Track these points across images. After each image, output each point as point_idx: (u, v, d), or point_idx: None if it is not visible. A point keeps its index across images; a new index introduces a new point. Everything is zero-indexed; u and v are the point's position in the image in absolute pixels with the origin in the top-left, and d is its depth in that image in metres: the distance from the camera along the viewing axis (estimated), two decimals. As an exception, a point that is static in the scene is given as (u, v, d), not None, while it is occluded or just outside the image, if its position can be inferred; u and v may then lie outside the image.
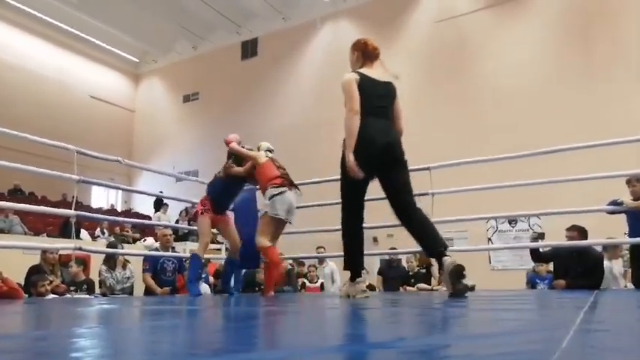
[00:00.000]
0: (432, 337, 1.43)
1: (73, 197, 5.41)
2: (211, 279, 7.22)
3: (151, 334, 1.63)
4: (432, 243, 3.12)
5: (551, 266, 6.25)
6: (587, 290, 4.25)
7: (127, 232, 11.88)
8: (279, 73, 17.27)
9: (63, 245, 5.47)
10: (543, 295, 4.32)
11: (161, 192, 12.50)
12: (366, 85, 3.25)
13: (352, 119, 3.22)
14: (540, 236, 5.90)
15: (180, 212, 14.51)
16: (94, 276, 6.17)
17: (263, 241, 4.32)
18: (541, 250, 5.74)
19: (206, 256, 5.41)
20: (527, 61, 12.92)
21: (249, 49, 18.51)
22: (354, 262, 3.45)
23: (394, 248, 7.61)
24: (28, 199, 13.67)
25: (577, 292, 4.19)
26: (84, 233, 10.36)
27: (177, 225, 11.46)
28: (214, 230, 5.08)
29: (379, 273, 7.77)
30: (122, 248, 7.18)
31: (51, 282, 5.10)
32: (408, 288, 7.11)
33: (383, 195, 6.23)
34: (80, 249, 4.96)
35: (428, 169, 5.64)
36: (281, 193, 4.28)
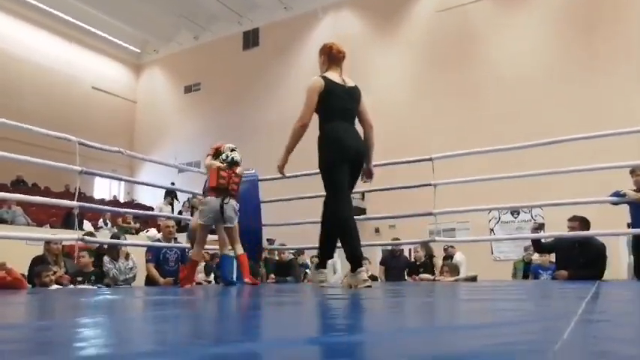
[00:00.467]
0: (432, 327, 1.44)
1: (76, 188, 5.42)
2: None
3: (156, 323, 1.64)
4: (355, 253, 3.59)
5: (552, 257, 6.25)
6: (589, 281, 4.25)
7: (130, 223, 11.91)
8: (281, 63, 17.20)
9: (66, 236, 5.50)
10: (545, 285, 4.33)
11: (172, 183, 12.53)
12: (333, 90, 3.42)
13: (298, 130, 3.49)
14: (540, 227, 5.90)
15: (184, 203, 14.53)
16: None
17: (196, 250, 4.83)
18: (543, 240, 5.74)
19: (207, 247, 5.46)
20: (529, 51, 12.84)
21: (251, 39, 18.43)
22: (329, 254, 3.74)
23: (397, 239, 7.62)
24: (31, 190, 13.71)
25: (579, 282, 4.20)
26: (86, 224, 10.39)
27: (179, 216, 11.49)
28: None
29: (382, 263, 7.79)
30: (125, 239, 7.19)
31: (54, 272, 5.13)
32: (416, 277, 7.12)
33: (384, 186, 6.26)
34: (83, 240, 4.98)
35: (430, 159, 5.63)
36: (206, 203, 4.72)
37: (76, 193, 5.22)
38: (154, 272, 5.70)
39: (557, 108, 11.88)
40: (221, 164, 4.82)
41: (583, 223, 5.11)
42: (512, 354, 0.88)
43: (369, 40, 15.72)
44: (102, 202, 15.27)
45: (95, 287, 5.17)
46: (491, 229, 12.41)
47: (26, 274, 5.15)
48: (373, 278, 7.50)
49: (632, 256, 5.29)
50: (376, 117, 13.59)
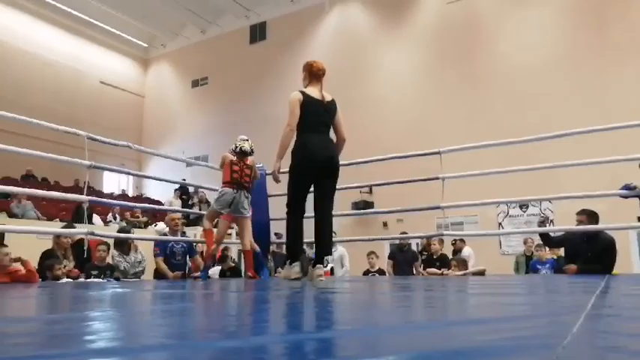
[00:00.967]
0: (443, 321, 1.44)
1: (85, 183, 5.47)
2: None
3: (169, 317, 1.66)
4: (326, 245, 3.88)
5: (560, 251, 6.22)
6: (599, 275, 4.23)
7: (139, 216, 12.00)
8: (288, 57, 17.16)
9: (76, 230, 5.54)
10: (554, 280, 4.31)
11: (184, 179, 12.60)
12: (309, 105, 3.78)
13: (287, 133, 3.81)
14: (545, 220, 5.86)
15: (192, 196, 14.60)
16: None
17: (205, 223, 5.38)
18: (552, 234, 5.71)
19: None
20: (539, 43, 12.71)
21: (258, 33, 18.40)
22: (294, 249, 3.94)
23: (405, 233, 7.61)
24: (40, 184, 13.82)
25: (588, 276, 4.18)
26: (96, 218, 10.47)
27: (188, 210, 11.56)
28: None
29: (390, 257, 7.78)
30: (133, 233, 7.25)
31: (64, 266, 5.18)
32: (423, 272, 7.10)
33: (391, 180, 6.26)
34: (93, 234, 5.02)
35: (438, 153, 5.61)
36: (222, 194, 5.08)
37: (85, 188, 5.27)
38: (163, 266, 5.74)
39: (567, 100, 11.77)
40: (233, 157, 5.10)
41: (591, 216, 5.07)
42: (521, 348, 0.88)
43: (377, 33, 15.64)
44: (111, 196, 15.36)
45: (105, 281, 5.22)
46: (500, 223, 12.35)
47: (36, 267, 5.20)
48: (381, 272, 7.50)
49: None
50: (384, 110, 13.60)
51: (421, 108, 14.00)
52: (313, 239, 4.01)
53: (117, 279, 5.46)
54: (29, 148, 4.72)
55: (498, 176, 6.04)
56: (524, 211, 12.18)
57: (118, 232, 6.63)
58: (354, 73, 15.46)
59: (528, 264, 7.38)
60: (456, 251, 7.80)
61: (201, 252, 6.44)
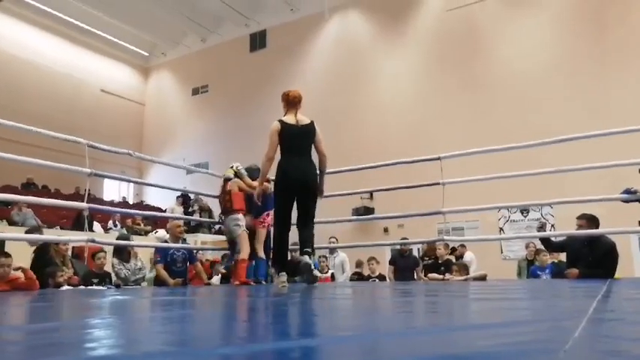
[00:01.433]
0: (444, 327, 1.43)
1: (86, 190, 5.46)
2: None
3: (164, 324, 1.65)
4: (307, 245, 4.23)
5: (562, 256, 6.20)
6: (600, 279, 4.22)
7: (139, 224, 11.99)
8: (288, 65, 17.21)
9: (76, 237, 5.53)
10: (555, 284, 4.30)
11: (185, 187, 12.59)
12: (287, 131, 4.21)
13: (264, 164, 4.31)
14: (543, 226, 5.86)
15: (192, 203, 14.60)
16: (107, 268, 6.22)
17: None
18: (554, 239, 5.70)
19: (215, 247, 5.55)
20: (538, 49, 12.75)
21: (258, 41, 18.46)
22: (282, 261, 4.32)
23: (405, 238, 7.60)
24: (41, 192, 13.83)
25: (590, 281, 4.16)
26: (96, 226, 10.47)
27: (189, 217, 11.56)
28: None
29: (391, 263, 7.77)
30: (132, 240, 7.23)
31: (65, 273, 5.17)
32: (423, 277, 7.07)
33: (392, 185, 6.27)
34: (93, 241, 5.01)
35: (439, 158, 5.61)
36: None
37: (86, 195, 5.26)
38: (163, 273, 5.72)
39: (567, 105, 11.78)
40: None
41: (591, 221, 5.06)
42: (523, 353, 0.88)
43: (377, 40, 15.69)
44: (111, 203, 15.35)
45: (105, 288, 5.20)
46: (501, 228, 12.33)
47: (29, 267, 5.15)
48: (382, 278, 7.49)
49: None
50: (385, 115, 13.63)
51: (421, 113, 14.02)
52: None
53: (117, 286, 5.45)
54: (30, 156, 4.73)
55: (499, 181, 6.03)
56: (525, 216, 12.17)
57: (118, 239, 6.62)
58: (354, 80, 15.50)
59: (529, 269, 7.37)
60: (458, 257, 7.77)
61: (200, 260, 6.49)
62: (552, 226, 11.38)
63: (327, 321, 1.71)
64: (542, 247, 6.17)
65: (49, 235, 6.89)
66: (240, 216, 5.46)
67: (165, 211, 13.88)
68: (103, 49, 19.81)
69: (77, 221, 9.32)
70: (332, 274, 7.60)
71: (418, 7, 15.09)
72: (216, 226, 13.32)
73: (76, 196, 12.06)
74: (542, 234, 5.69)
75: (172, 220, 6.59)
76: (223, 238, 5.57)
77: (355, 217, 10.91)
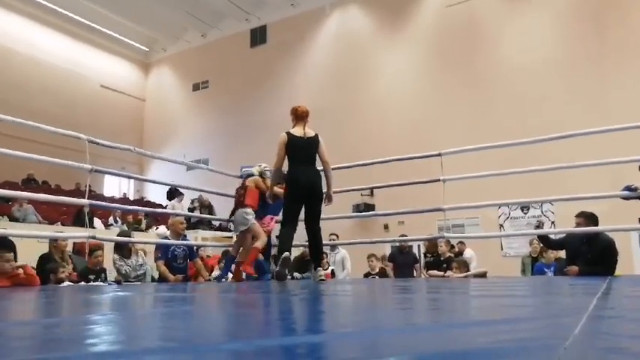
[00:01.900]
0: (444, 323, 1.43)
1: (86, 186, 5.46)
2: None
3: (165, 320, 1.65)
4: (318, 255, 4.76)
5: (560, 253, 6.21)
6: (600, 276, 4.22)
7: (140, 220, 11.99)
8: (289, 60, 17.19)
9: (76, 234, 5.54)
10: (555, 281, 4.30)
11: (172, 181, 12.43)
12: (294, 141, 4.60)
13: (274, 173, 4.86)
14: (540, 225, 5.88)
15: (193, 200, 14.62)
16: (107, 264, 6.22)
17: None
18: (553, 237, 5.70)
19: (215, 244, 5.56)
20: (539, 46, 12.72)
21: (258, 36, 18.42)
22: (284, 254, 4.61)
23: (404, 235, 7.61)
24: (41, 188, 13.83)
25: (590, 278, 4.17)
26: (97, 222, 10.47)
27: (190, 214, 11.57)
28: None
29: (390, 259, 7.78)
30: (133, 237, 7.23)
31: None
32: (424, 274, 7.07)
33: (392, 182, 6.27)
34: (94, 237, 5.01)
35: (439, 155, 5.60)
36: None
37: (87, 191, 5.27)
38: (164, 269, 5.73)
39: (567, 102, 11.77)
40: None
41: (589, 219, 5.06)
42: (523, 350, 0.88)
43: (377, 36, 15.66)
44: (112, 199, 15.36)
45: (106, 284, 5.21)
46: (501, 225, 12.34)
47: (34, 268, 5.18)
48: (382, 274, 7.50)
49: None
50: (385, 112, 13.62)
51: (422, 110, 14.00)
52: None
53: (117, 282, 5.46)
54: (30, 152, 4.72)
55: (499, 178, 6.04)
56: (526, 213, 12.17)
57: (118, 236, 6.62)
58: (354, 76, 15.48)
59: (534, 265, 7.38)
60: (457, 254, 7.78)
61: (201, 257, 6.51)
62: (552, 223, 11.39)
63: (327, 317, 1.71)
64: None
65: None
66: (249, 210, 5.51)
67: (166, 207, 13.89)
68: (103, 45, 19.77)
69: (78, 217, 9.32)
70: (332, 271, 7.61)
71: (419, 2, 15.05)
72: (217, 223, 13.35)
73: (77, 192, 12.08)
74: (540, 231, 5.70)
75: (173, 217, 6.59)
76: (224, 234, 5.59)
77: (355, 214, 10.92)
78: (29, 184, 13.84)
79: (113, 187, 18.75)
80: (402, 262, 7.55)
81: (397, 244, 8.08)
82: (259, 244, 5.38)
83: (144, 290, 3.87)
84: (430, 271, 6.91)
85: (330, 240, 7.99)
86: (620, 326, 1.25)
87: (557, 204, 10.26)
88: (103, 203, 7.66)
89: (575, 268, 5.00)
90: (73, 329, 1.39)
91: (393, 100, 14.65)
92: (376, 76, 15.29)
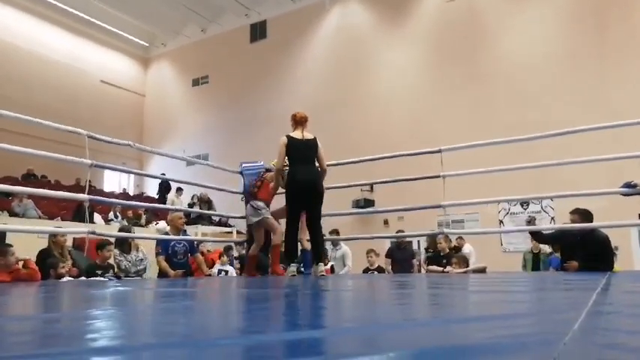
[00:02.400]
0: (443, 318, 1.44)
1: (86, 181, 5.46)
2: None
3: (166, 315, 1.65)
4: (318, 253, 4.97)
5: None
6: (599, 272, 4.23)
7: (140, 215, 12.01)
8: (289, 55, 17.15)
9: (76, 229, 5.54)
10: (555, 277, 4.31)
11: (163, 174, 12.20)
12: (293, 143, 4.89)
13: (276, 172, 5.13)
14: (532, 219, 5.91)
15: (193, 196, 14.64)
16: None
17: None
18: (545, 232, 5.71)
19: (215, 239, 5.55)
20: (539, 41, 12.68)
21: (258, 31, 18.37)
22: (292, 254, 4.97)
23: (401, 231, 7.60)
24: (41, 183, 13.83)
25: (589, 273, 4.17)
26: (97, 217, 10.48)
27: (190, 209, 11.58)
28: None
29: (388, 255, 7.77)
30: (133, 232, 7.24)
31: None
32: (431, 267, 7.04)
33: (392, 177, 6.27)
34: (94, 233, 5.02)
35: (439, 151, 5.60)
36: None
37: (87, 186, 5.26)
38: (165, 265, 5.73)
39: (568, 98, 11.74)
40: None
41: (584, 216, 5.05)
42: (522, 346, 0.88)
43: (377, 31, 15.62)
44: (112, 194, 15.36)
45: (105, 279, 5.22)
46: (501, 221, 12.34)
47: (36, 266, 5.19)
48: (380, 270, 7.49)
49: None
50: (385, 107, 13.59)
51: (422, 105, 13.98)
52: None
53: (117, 277, 5.46)
54: (30, 147, 4.71)
55: (499, 174, 6.03)
56: (525, 209, 12.17)
57: (119, 231, 6.63)
58: (355, 71, 15.45)
59: (535, 261, 7.40)
60: (457, 249, 7.78)
61: (202, 252, 6.53)
62: (552, 218, 11.40)
63: (328, 312, 1.72)
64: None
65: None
66: (260, 203, 5.53)
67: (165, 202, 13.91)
68: (103, 40, 19.73)
69: (78, 212, 9.33)
70: (332, 267, 7.61)
71: (419, -2, 15.00)
72: (217, 218, 13.35)
73: (77, 188, 12.06)
74: (541, 227, 5.71)
75: (173, 212, 6.58)
76: (223, 229, 5.58)
77: (355, 210, 10.93)
78: (29, 179, 13.84)
79: (113, 182, 18.76)
80: (399, 257, 7.55)
81: (395, 239, 8.07)
82: (277, 239, 5.44)
83: (143, 285, 3.87)
84: (430, 267, 6.91)
85: (330, 235, 7.99)
86: (619, 322, 1.25)
87: (557, 200, 10.26)
88: (103, 198, 7.66)
89: (574, 264, 5.00)
90: (73, 324, 1.39)
91: (393, 94, 14.62)
92: (376, 71, 15.25)
